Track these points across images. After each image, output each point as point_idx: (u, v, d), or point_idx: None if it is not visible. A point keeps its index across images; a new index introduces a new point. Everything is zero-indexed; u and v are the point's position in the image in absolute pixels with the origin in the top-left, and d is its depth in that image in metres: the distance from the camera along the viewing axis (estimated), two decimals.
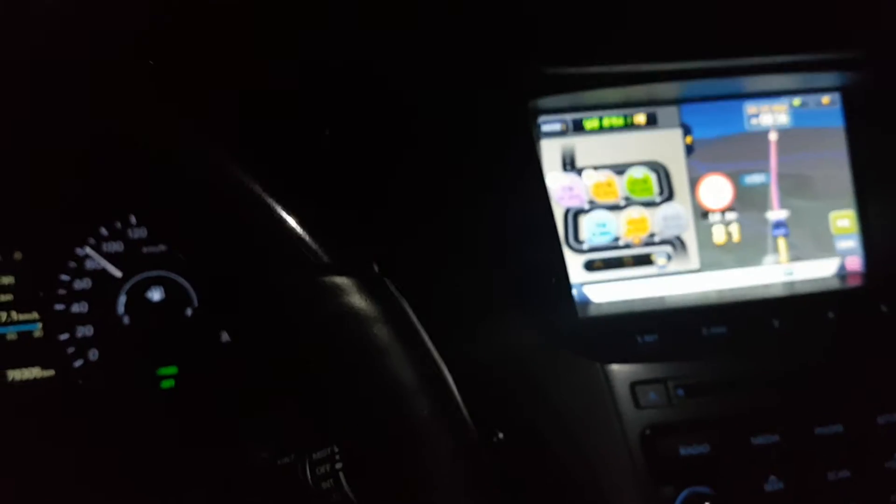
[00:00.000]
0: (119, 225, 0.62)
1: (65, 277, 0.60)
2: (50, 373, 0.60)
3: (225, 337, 0.61)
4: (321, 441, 0.42)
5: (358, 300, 0.32)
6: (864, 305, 0.63)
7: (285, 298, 0.32)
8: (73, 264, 0.61)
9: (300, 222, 0.32)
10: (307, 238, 0.32)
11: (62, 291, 0.60)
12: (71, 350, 0.60)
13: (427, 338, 0.34)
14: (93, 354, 0.61)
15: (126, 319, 0.61)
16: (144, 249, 0.62)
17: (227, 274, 0.34)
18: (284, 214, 0.32)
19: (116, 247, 0.62)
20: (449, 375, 0.34)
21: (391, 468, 0.31)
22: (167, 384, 0.62)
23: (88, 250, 0.61)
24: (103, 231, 0.61)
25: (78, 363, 0.60)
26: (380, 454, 0.31)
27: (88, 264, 0.61)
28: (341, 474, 0.39)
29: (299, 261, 0.32)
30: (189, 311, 0.63)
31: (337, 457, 0.40)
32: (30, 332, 0.60)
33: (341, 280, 0.32)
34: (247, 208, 0.32)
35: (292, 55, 0.60)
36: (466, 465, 0.33)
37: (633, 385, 0.55)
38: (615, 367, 0.55)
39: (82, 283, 0.61)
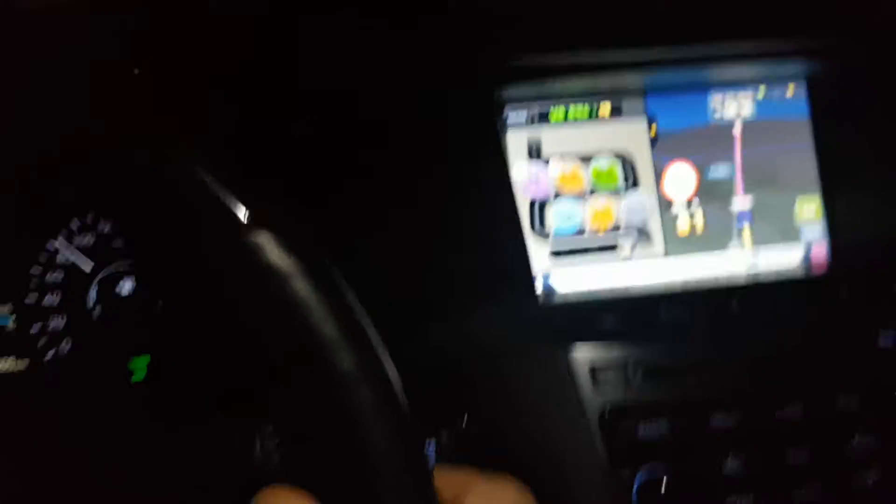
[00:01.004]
0: (90, 218, 0.62)
1: (36, 270, 0.61)
2: (23, 364, 0.61)
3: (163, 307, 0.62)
4: (270, 418, 0.43)
5: (276, 257, 0.32)
6: (825, 292, 0.64)
7: (205, 260, 0.33)
8: (44, 257, 0.61)
9: (223, 187, 0.33)
10: (228, 201, 0.33)
11: (34, 284, 0.61)
12: (43, 342, 0.61)
13: (350, 292, 0.35)
14: (65, 346, 0.61)
15: (97, 311, 0.62)
16: (115, 243, 0.63)
17: (166, 252, 0.35)
18: (217, 186, 0.33)
19: (87, 239, 0.62)
20: (372, 331, 0.35)
21: (325, 431, 0.32)
22: (138, 376, 0.62)
23: (60, 243, 0.62)
24: (75, 224, 0.62)
25: (50, 354, 0.61)
26: (309, 416, 0.32)
27: (59, 257, 0.62)
28: (287, 447, 0.39)
29: (226, 223, 0.33)
30: (160, 303, 0.63)
31: (283, 431, 0.40)
32: (2, 326, 0.61)
33: (259, 237, 0.32)
34: (181, 181, 0.33)
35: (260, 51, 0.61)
36: (393, 415, 0.33)
37: (594, 369, 0.56)
38: (575, 351, 0.56)
39: (54, 276, 0.62)
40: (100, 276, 0.62)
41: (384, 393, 0.33)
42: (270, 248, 0.32)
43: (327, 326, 0.32)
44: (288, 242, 0.33)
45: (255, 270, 0.32)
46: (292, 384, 0.32)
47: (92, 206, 0.62)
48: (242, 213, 0.33)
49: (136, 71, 0.41)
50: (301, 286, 0.32)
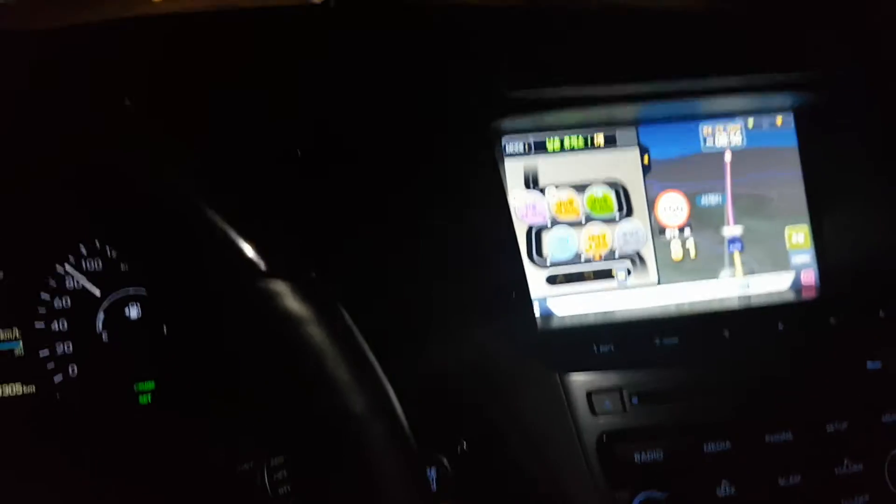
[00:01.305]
0: (98, 243, 0.64)
1: (45, 296, 0.62)
2: (31, 389, 0.62)
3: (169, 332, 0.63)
4: (278, 449, 0.44)
5: (292, 303, 0.34)
6: (814, 317, 0.65)
7: (224, 302, 0.34)
8: (53, 282, 0.62)
9: (243, 233, 0.34)
10: (248, 247, 0.34)
11: (42, 310, 0.62)
12: (51, 366, 0.62)
13: (361, 338, 0.36)
14: (72, 371, 0.62)
15: (105, 336, 0.63)
16: (123, 267, 0.64)
17: (174, 282, 0.36)
18: (228, 227, 0.34)
19: (95, 265, 0.64)
20: (383, 374, 0.36)
21: (334, 468, 0.33)
22: (145, 399, 0.63)
23: (68, 268, 0.63)
24: (83, 249, 0.63)
25: (58, 379, 0.62)
26: (321, 454, 0.33)
27: (68, 282, 0.63)
28: (295, 479, 0.40)
29: (239, 267, 0.34)
30: (166, 328, 0.64)
31: (291, 463, 0.42)
32: (11, 350, 0.62)
33: (277, 284, 0.34)
34: (193, 221, 0.34)
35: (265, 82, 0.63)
36: (404, 457, 0.35)
37: (590, 394, 0.57)
38: (572, 377, 0.58)
39: (62, 301, 0.63)
40: (107, 302, 0.63)
41: (394, 431, 0.34)
42: (287, 295, 0.34)
43: (340, 370, 0.33)
44: (303, 289, 0.34)
45: (271, 315, 0.33)
46: (304, 423, 0.34)
47: (102, 232, 0.63)
48: (260, 259, 0.34)
49: (127, 102, 0.42)
50: (316, 332, 0.33)
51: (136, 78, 0.53)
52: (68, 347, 0.62)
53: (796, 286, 0.70)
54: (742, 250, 0.70)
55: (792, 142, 0.72)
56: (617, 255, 0.68)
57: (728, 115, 0.71)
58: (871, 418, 0.61)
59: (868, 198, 0.70)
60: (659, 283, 0.68)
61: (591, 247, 0.68)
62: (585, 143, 0.69)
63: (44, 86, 0.42)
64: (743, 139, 0.71)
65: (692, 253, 0.69)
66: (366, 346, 0.36)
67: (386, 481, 0.34)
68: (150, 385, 0.63)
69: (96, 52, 0.59)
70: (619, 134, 0.69)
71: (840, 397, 0.61)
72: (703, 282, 0.69)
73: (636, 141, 0.69)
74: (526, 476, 0.57)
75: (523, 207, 0.67)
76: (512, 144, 0.68)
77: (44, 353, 0.62)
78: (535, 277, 0.67)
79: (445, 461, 0.56)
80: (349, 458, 0.34)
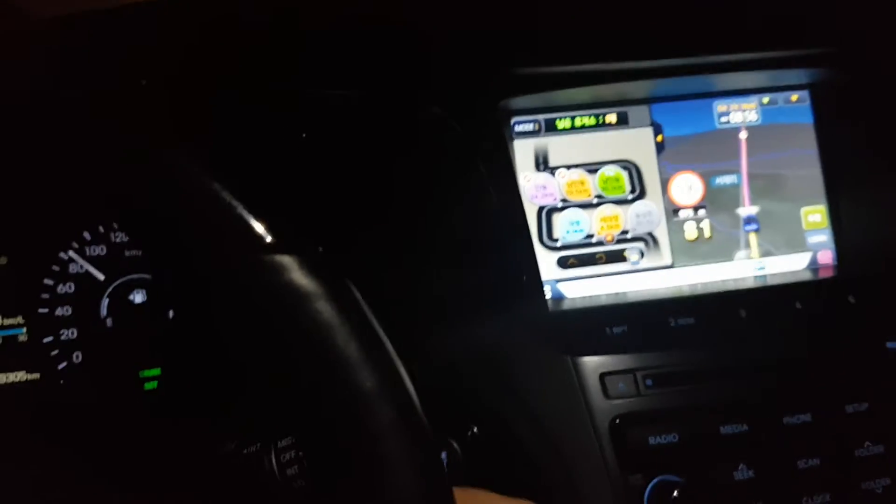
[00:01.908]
0: (102, 229, 0.63)
1: (49, 281, 0.62)
2: (35, 375, 0.61)
3: (174, 317, 0.62)
4: (285, 431, 0.43)
5: (299, 277, 0.33)
6: (832, 297, 0.64)
7: (228, 277, 0.33)
8: (56, 268, 0.62)
9: (246, 204, 0.34)
10: (253, 221, 0.33)
11: (46, 295, 0.61)
12: (55, 353, 0.61)
13: (371, 314, 0.35)
14: (77, 357, 0.62)
15: (109, 322, 0.62)
16: (126, 252, 0.63)
17: (179, 264, 0.35)
18: (233, 200, 0.33)
19: (99, 250, 0.63)
20: (393, 351, 0.35)
21: (344, 447, 0.32)
22: (150, 385, 0.63)
23: (72, 254, 0.62)
24: (86, 235, 0.63)
25: (62, 365, 0.61)
26: (331, 433, 0.32)
27: (72, 268, 0.62)
28: (305, 461, 0.40)
29: (244, 242, 0.33)
30: (171, 314, 0.64)
31: (299, 445, 0.41)
32: (15, 336, 0.61)
33: (284, 258, 0.33)
34: (200, 196, 0.33)
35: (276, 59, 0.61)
36: (414, 433, 0.34)
37: (603, 376, 0.56)
38: (585, 359, 0.57)
39: (66, 287, 0.62)
40: (112, 287, 0.63)
41: (406, 411, 0.33)
42: (294, 269, 0.33)
43: (351, 347, 0.32)
44: (311, 263, 0.33)
45: (279, 290, 0.32)
46: (314, 402, 0.33)
47: (106, 217, 0.62)
48: (267, 232, 0.33)
49: (143, 82, 0.42)
50: (325, 307, 0.32)
51: (137, 61, 0.52)
52: (72, 333, 0.62)
53: (813, 266, 0.69)
54: (758, 230, 0.68)
55: (808, 118, 0.70)
56: (630, 237, 0.67)
57: (743, 92, 0.69)
58: (892, 399, 0.59)
59: (886, 175, 0.69)
60: (673, 265, 0.67)
61: (602, 228, 0.67)
62: (597, 122, 0.67)
63: (46, 71, 0.41)
64: (758, 115, 0.69)
65: (707, 233, 0.68)
66: (376, 323, 0.35)
67: (397, 463, 0.33)
68: (156, 371, 0.63)
69: (100, 37, 0.58)
70: (632, 112, 0.68)
71: (859, 378, 0.60)
72: (718, 264, 0.67)
73: (649, 119, 0.68)
74: (538, 460, 0.56)
75: (533, 188, 0.66)
76: (521, 124, 0.66)
77: (48, 339, 0.61)
78: (546, 260, 0.65)
79: (456, 445, 0.55)
80: (359, 438, 0.33)
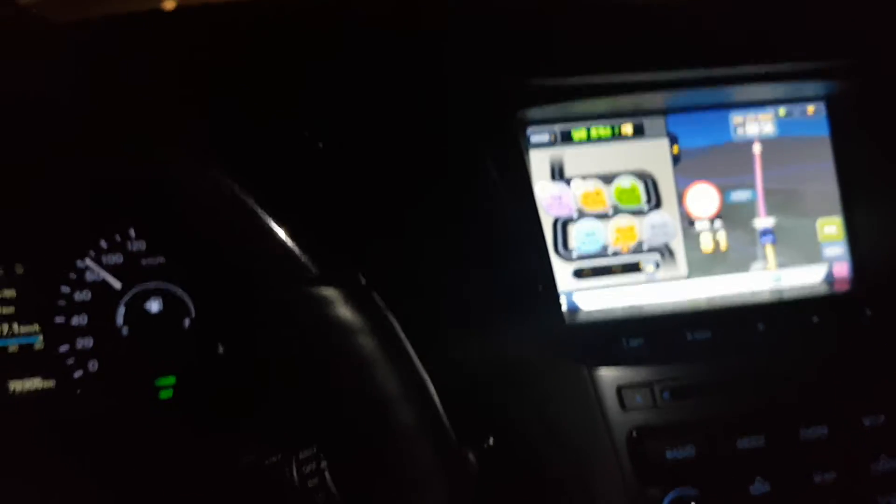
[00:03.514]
0: (118, 237, 0.63)
1: (65, 289, 0.62)
2: (50, 383, 0.61)
3: (221, 348, 0.63)
4: (307, 441, 0.43)
5: (344, 311, 0.33)
6: (848, 310, 0.64)
7: (276, 308, 0.33)
8: (73, 276, 0.62)
9: (292, 237, 0.34)
10: (298, 252, 0.33)
11: (62, 303, 0.62)
12: (71, 361, 0.62)
13: (410, 349, 0.36)
14: (92, 365, 0.62)
15: (125, 330, 0.63)
16: (143, 261, 0.63)
17: (223, 286, 0.36)
18: (277, 229, 0.33)
19: (116, 259, 0.63)
20: (431, 386, 0.35)
21: (374, 471, 0.32)
22: (165, 394, 0.63)
23: (89, 262, 0.62)
24: (103, 243, 0.63)
25: (78, 374, 0.62)
26: (363, 457, 0.33)
27: (88, 276, 0.62)
28: (326, 473, 0.40)
29: (290, 273, 0.33)
30: (187, 322, 0.64)
31: (322, 456, 0.41)
32: (31, 344, 0.61)
33: (329, 291, 0.33)
34: (242, 224, 0.34)
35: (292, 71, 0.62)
36: (446, 471, 0.34)
37: (620, 388, 0.56)
38: (602, 371, 0.57)
39: (82, 295, 0.62)
40: (128, 296, 0.63)
41: (429, 421, 0.34)
42: (339, 302, 0.33)
43: (391, 383, 0.33)
44: (355, 296, 0.33)
45: (323, 322, 0.33)
46: (336, 412, 0.33)
47: (123, 226, 0.62)
48: (313, 264, 0.33)
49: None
50: (367, 341, 0.33)
51: (162, 73, 0.53)
52: (88, 342, 0.62)
53: (829, 279, 0.69)
54: (774, 242, 0.68)
55: (824, 131, 0.70)
56: (645, 248, 0.67)
57: (759, 104, 0.69)
58: None
59: None
60: (689, 276, 0.67)
61: (618, 239, 0.67)
62: (612, 133, 0.67)
63: (66, 82, 0.42)
64: (774, 128, 0.69)
65: (722, 245, 0.68)
66: (416, 358, 0.35)
67: (419, 472, 0.33)
68: (171, 380, 0.63)
69: (120, 46, 0.59)
70: (648, 123, 0.68)
71: (876, 390, 0.59)
72: (734, 275, 0.67)
73: (665, 130, 0.68)
74: (554, 472, 0.56)
75: (549, 199, 0.66)
76: (537, 135, 0.66)
77: (64, 347, 0.61)
78: (562, 271, 0.65)
79: (472, 456, 0.55)
80: (380, 449, 0.33)
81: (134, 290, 0.63)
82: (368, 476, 0.33)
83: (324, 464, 0.41)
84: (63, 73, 0.41)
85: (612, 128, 0.67)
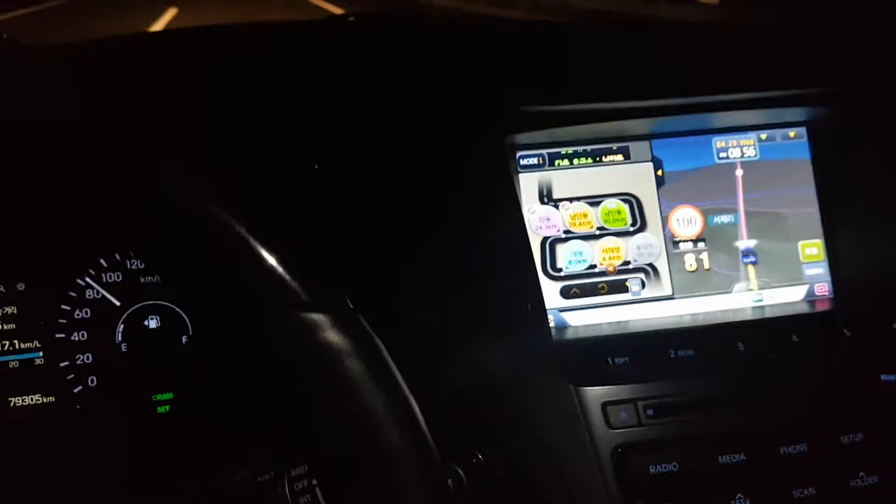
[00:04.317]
0: (118, 256, 0.64)
1: (66, 307, 0.63)
2: (50, 399, 0.63)
3: (217, 364, 0.64)
4: (298, 459, 0.45)
5: (333, 335, 0.35)
6: (827, 329, 0.66)
7: (269, 332, 0.35)
8: (73, 294, 0.63)
9: (283, 262, 0.35)
10: (289, 277, 0.35)
11: (63, 320, 0.63)
12: (71, 376, 0.63)
13: (397, 371, 0.37)
14: (92, 381, 0.63)
15: (124, 347, 0.64)
16: (142, 279, 0.65)
17: (218, 309, 0.37)
18: (268, 255, 0.35)
19: (115, 277, 0.64)
20: (416, 407, 0.37)
21: (363, 489, 0.34)
22: (163, 409, 0.64)
23: (89, 280, 0.64)
24: (103, 262, 0.64)
25: (77, 389, 0.63)
26: (352, 477, 0.34)
27: (88, 294, 0.64)
28: (317, 490, 0.41)
29: (282, 298, 0.35)
30: (184, 339, 0.65)
31: (313, 474, 0.42)
32: (31, 360, 0.63)
33: (318, 316, 0.34)
34: (236, 249, 0.35)
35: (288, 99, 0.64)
36: (433, 489, 0.35)
37: (605, 405, 0.58)
38: (587, 389, 0.58)
39: (82, 312, 0.64)
40: (127, 313, 0.64)
41: (416, 440, 0.35)
42: (328, 327, 0.34)
43: (377, 405, 0.34)
44: (343, 321, 0.35)
45: (312, 347, 0.34)
46: (326, 431, 0.34)
47: (122, 245, 0.64)
48: (303, 290, 0.35)
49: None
50: (355, 364, 0.34)
51: (162, 94, 0.54)
52: (88, 358, 0.63)
53: (810, 298, 0.71)
54: (756, 263, 0.70)
55: (805, 154, 0.72)
56: (631, 268, 0.69)
57: (741, 129, 0.71)
58: (887, 430, 0.60)
59: (882, 210, 0.70)
60: (673, 295, 0.69)
61: (604, 259, 0.68)
62: (599, 157, 0.69)
63: (67, 103, 0.43)
64: (756, 152, 0.72)
65: (706, 265, 0.70)
66: (402, 382, 0.37)
67: (407, 490, 0.35)
68: (168, 395, 0.64)
69: (122, 67, 0.61)
70: (633, 147, 0.70)
71: (855, 409, 0.61)
72: (717, 295, 0.69)
73: (650, 154, 0.70)
74: (541, 488, 0.57)
75: (538, 220, 0.68)
76: (526, 158, 0.68)
77: (64, 363, 0.63)
78: (550, 289, 0.67)
79: (461, 472, 0.57)
80: (371, 467, 0.35)
81: (133, 308, 0.64)
82: (358, 494, 0.35)
83: (315, 481, 0.42)
84: (44, 95, 0.42)
85: (599, 152, 0.69)
